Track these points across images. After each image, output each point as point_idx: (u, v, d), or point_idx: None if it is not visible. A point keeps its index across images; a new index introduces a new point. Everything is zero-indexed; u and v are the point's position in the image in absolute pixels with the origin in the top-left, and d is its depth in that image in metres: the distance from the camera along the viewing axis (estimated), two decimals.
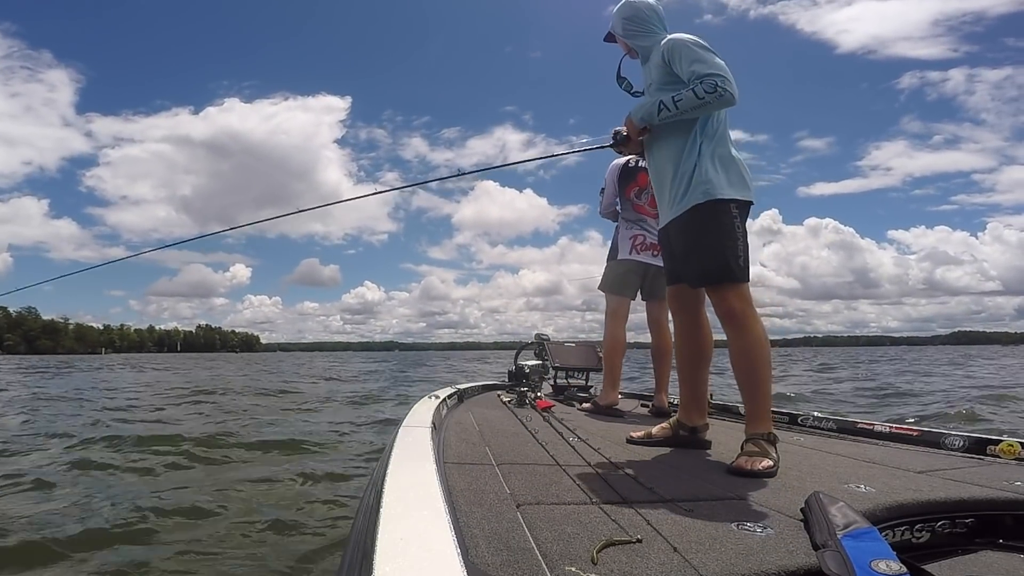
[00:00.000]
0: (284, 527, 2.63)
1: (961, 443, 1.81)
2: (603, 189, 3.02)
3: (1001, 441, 1.70)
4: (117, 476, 3.60)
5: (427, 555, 0.57)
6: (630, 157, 2.93)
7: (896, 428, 2.05)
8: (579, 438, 1.68)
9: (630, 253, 2.86)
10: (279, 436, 4.98)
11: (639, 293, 2.94)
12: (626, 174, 2.92)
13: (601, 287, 2.98)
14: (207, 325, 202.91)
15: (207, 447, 4.48)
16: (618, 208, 2.98)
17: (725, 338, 1.63)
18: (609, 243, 3.04)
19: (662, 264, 2.86)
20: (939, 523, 1.14)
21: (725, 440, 1.98)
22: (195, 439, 4.73)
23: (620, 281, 2.89)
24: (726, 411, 2.99)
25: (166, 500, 3.00)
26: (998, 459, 1.65)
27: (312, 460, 4.10)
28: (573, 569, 0.74)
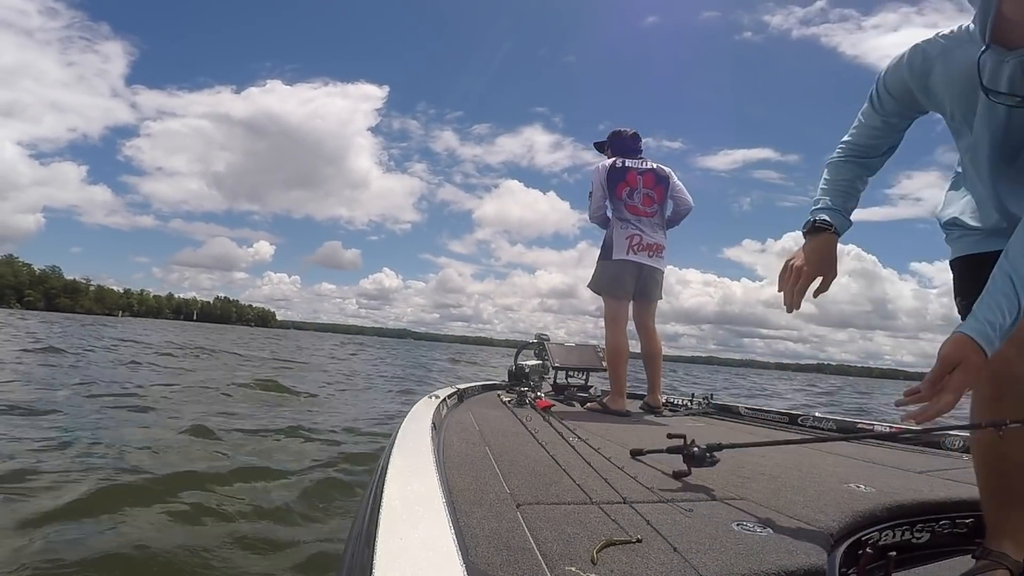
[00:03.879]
0: (283, 527, 2.63)
1: (961, 443, 1.81)
2: (591, 193, 2.97)
3: None
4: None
5: (427, 555, 0.57)
6: (616, 158, 2.94)
7: (896, 428, 2.05)
8: (579, 438, 1.68)
9: (627, 253, 2.83)
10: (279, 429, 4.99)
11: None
12: (615, 175, 2.89)
13: (595, 288, 2.95)
14: (225, 297, 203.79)
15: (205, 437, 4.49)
16: (608, 213, 2.96)
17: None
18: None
19: (656, 265, 2.91)
20: (939, 523, 1.14)
21: (724, 439, 1.98)
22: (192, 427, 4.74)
23: (616, 282, 2.86)
24: (726, 411, 2.99)
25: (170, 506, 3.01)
26: None
27: (312, 460, 4.10)
28: (573, 569, 0.74)
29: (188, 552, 2.31)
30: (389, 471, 0.91)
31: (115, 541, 2.25)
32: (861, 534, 1.02)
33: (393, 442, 1.20)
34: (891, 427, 2.07)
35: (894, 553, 0.90)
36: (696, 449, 1.24)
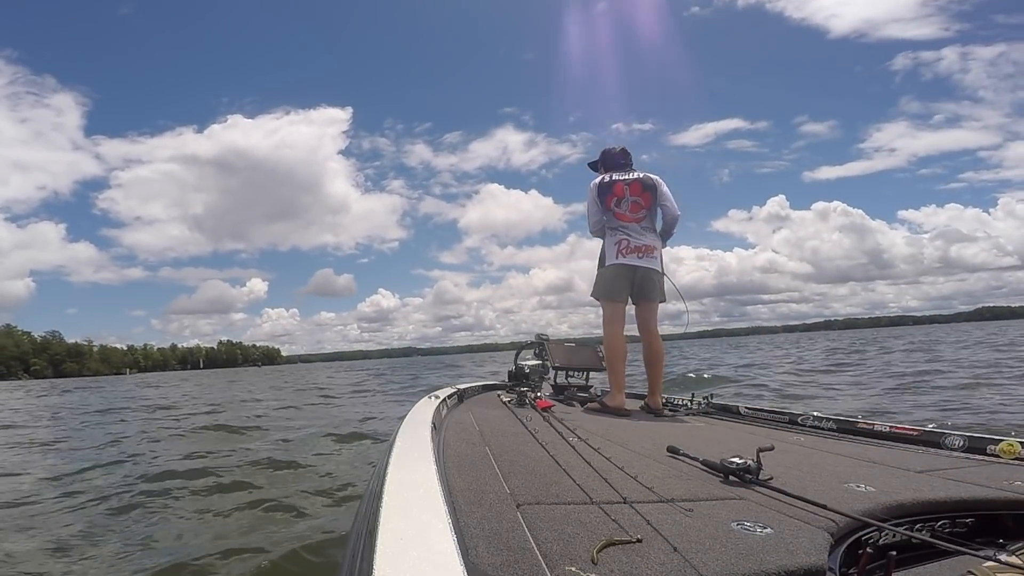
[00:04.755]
0: (283, 527, 2.64)
1: (961, 443, 1.81)
2: (588, 210, 3.11)
3: (1001, 441, 1.70)
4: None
5: (427, 555, 0.57)
6: (604, 174, 3.11)
7: (896, 428, 2.05)
8: (579, 438, 1.68)
9: (616, 258, 2.95)
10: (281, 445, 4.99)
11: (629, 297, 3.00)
12: (603, 189, 3.03)
13: (594, 295, 3.05)
14: (228, 340, 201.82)
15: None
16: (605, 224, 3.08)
17: None
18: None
19: (650, 265, 2.97)
20: (939, 523, 1.14)
21: (724, 440, 1.98)
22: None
23: (611, 286, 2.96)
24: (726, 411, 2.99)
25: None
26: (998, 459, 1.65)
27: (311, 459, 4.10)
28: (573, 569, 0.74)
29: (185, 550, 2.31)
30: (389, 471, 0.91)
31: None
32: (861, 534, 1.02)
33: (393, 442, 1.20)
34: (891, 427, 2.07)
35: (894, 553, 0.89)
36: (735, 465, 1.26)
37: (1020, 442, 1.67)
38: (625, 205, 2.99)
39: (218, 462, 4.29)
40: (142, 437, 6.13)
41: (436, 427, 1.53)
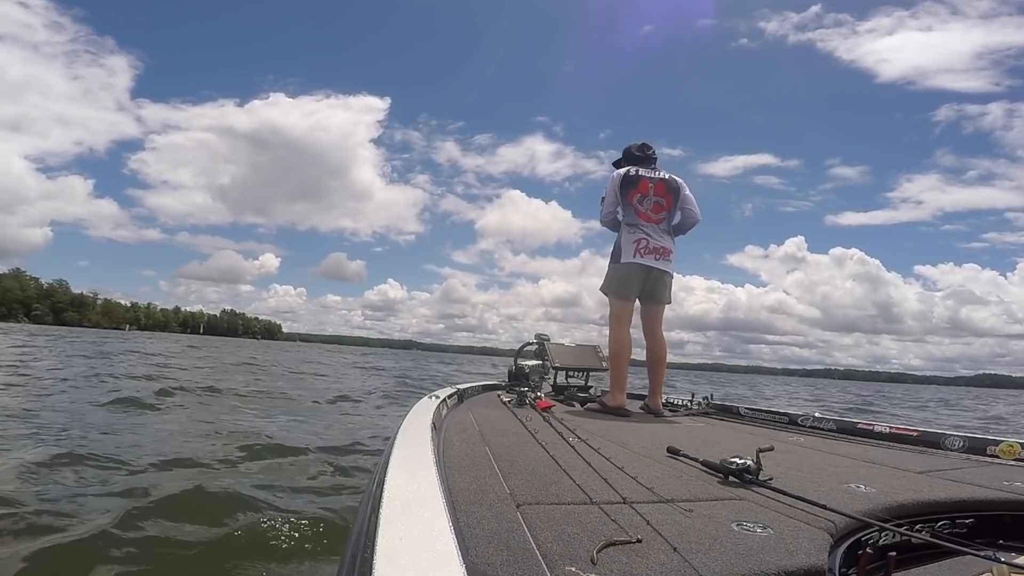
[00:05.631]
0: (283, 527, 2.63)
1: (961, 443, 1.81)
2: (603, 198, 3.08)
3: (1001, 441, 1.71)
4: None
5: (427, 555, 0.57)
6: (630, 167, 3.06)
7: (896, 428, 2.05)
8: (579, 438, 1.68)
9: (633, 256, 2.92)
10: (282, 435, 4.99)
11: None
12: (628, 182, 2.99)
13: (604, 289, 3.03)
14: (231, 310, 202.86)
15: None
16: (619, 216, 3.05)
17: None
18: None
19: (664, 268, 2.97)
20: (939, 523, 1.14)
21: (724, 440, 1.98)
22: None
23: (623, 284, 2.94)
24: (726, 411, 2.99)
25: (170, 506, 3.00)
26: (998, 459, 1.65)
27: (310, 458, 4.10)
28: (573, 569, 0.74)
29: (184, 550, 2.31)
30: (389, 471, 0.91)
31: None
32: (861, 534, 1.02)
33: (393, 442, 1.20)
34: (891, 427, 2.07)
35: (894, 553, 0.89)
36: (735, 465, 1.26)
37: (1020, 443, 1.67)
38: (648, 204, 2.96)
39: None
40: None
41: (436, 427, 1.53)
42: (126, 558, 2.22)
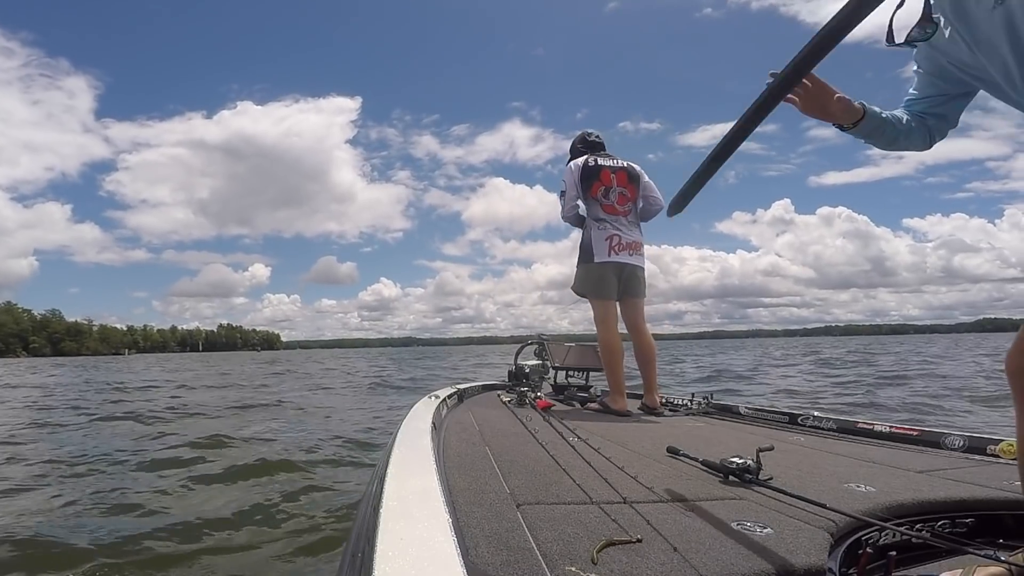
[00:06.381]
0: (283, 527, 2.63)
1: (961, 443, 1.81)
2: (563, 192, 2.92)
3: (1001, 441, 1.70)
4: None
5: (427, 555, 0.57)
6: (588, 156, 2.92)
7: (896, 428, 2.05)
8: (579, 438, 1.68)
9: (608, 255, 2.80)
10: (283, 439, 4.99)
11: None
12: (588, 172, 2.85)
13: (579, 291, 2.92)
14: (228, 324, 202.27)
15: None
16: (581, 212, 2.92)
17: None
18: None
19: (637, 263, 2.88)
20: (939, 523, 1.14)
21: (724, 440, 1.98)
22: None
23: (601, 284, 2.83)
24: (726, 411, 2.99)
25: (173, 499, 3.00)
26: (998, 459, 1.65)
27: (310, 458, 4.10)
28: (573, 569, 0.74)
29: (183, 549, 2.31)
30: (389, 471, 0.90)
31: None
32: (861, 534, 1.02)
33: (393, 442, 1.20)
34: (891, 427, 2.07)
35: (894, 553, 0.90)
36: (735, 465, 1.26)
37: None
38: (613, 195, 2.83)
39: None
40: None
41: (436, 427, 1.53)
42: (125, 557, 2.22)
